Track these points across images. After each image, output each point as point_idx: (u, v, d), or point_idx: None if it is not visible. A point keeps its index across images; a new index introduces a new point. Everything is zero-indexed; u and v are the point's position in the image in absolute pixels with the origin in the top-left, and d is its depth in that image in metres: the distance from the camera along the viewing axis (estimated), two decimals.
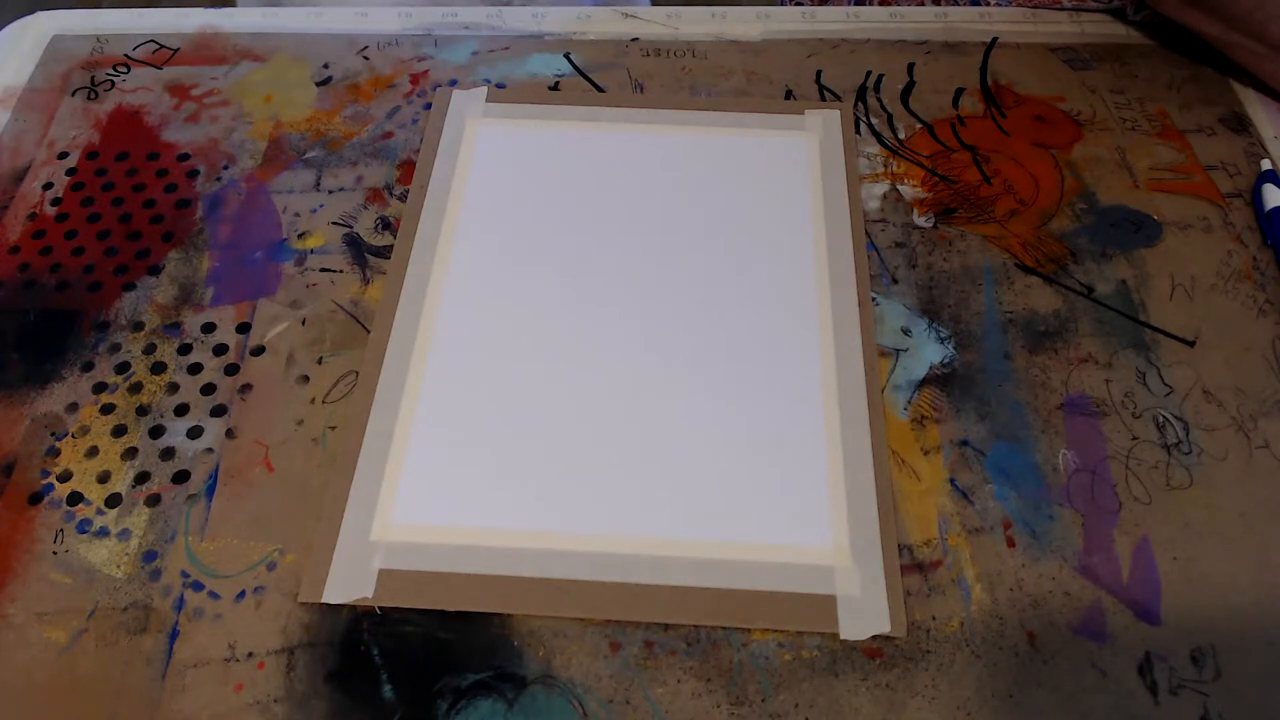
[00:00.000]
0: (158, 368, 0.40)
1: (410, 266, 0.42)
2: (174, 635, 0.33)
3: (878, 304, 0.42)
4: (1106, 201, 0.45)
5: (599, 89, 0.50)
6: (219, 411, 0.38)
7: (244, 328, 0.41)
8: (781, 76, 0.50)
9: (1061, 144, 0.47)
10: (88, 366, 0.40)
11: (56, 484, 0.37)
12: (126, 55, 0.51)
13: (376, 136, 0.48)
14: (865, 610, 0.33)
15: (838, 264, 0.42)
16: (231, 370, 0.40)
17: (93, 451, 0.37)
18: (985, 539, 0.35)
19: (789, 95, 0.50)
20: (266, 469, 0.37)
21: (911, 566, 0.35)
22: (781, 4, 0.62)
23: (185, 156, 0.47)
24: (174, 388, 0.39)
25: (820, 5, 0.59)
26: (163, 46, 0.52)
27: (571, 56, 0.51)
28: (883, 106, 0.49)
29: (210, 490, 0.36)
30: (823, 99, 0.49)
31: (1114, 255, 0.43)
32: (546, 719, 0.32)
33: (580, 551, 0.35)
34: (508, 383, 0.39)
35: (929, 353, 0.40)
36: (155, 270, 0.43)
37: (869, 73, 0.51)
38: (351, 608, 0.34)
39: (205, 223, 0.44)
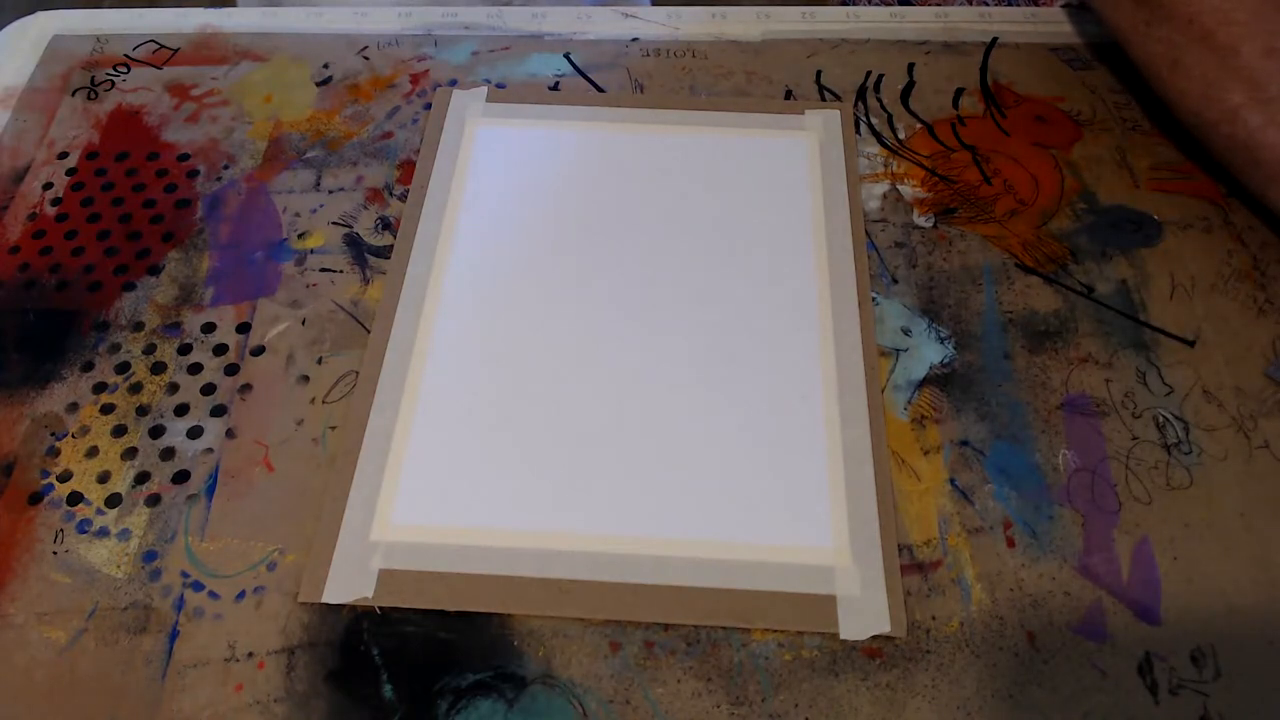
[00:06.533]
0: (158, 368, 0.40)
1: (410, 266, 0.42)
2: (174, 635, 0.33)
3: (878, 304, 0.42)
4: (1106, 201, 0.45)
5: (599, 89, 0.50)
6: (219, 411, 0.38)
7: (244, 328, 0.41)
8: (781, 76, 0.50)
9: (1061, 144, 0.47)
10: (88, 366, 0.40)
11: (56, 484, 0.37)
12: (126, 55, 0.51)
13: (376, 136, 0.48)
14: (865, 610, 0.33)
15: (838, 264, 0.42)
16: (231, 370, 0.40)
17: (93, 451, 0.37)
18: (985, 539, 0.35)
19: (789, 95, 0.50)
20: (266, 469, 0.37)
21: (911, 566, 0.35)
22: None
23: (185, 156, 0.47)
24: (174, 388, 0.39)
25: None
26: (163, 46, 0.52)
27: (571, 56, 0.51)
28: (883, 106, 0.49)
29: (210, 490, 0.36)
30: (823, 99, 0.49)
31: (1114, 255, 0.43)
32: (546, 719, 0.32)
33: (580, 551, 0.35)
34: (507, 383, 0.39)
35: (929, 353, 0.40)
36: (155, 270, 0.43)
37: (869, 73, 0.51)
38: (351, 608, 0.34)
39: (205, 223, 0.44)
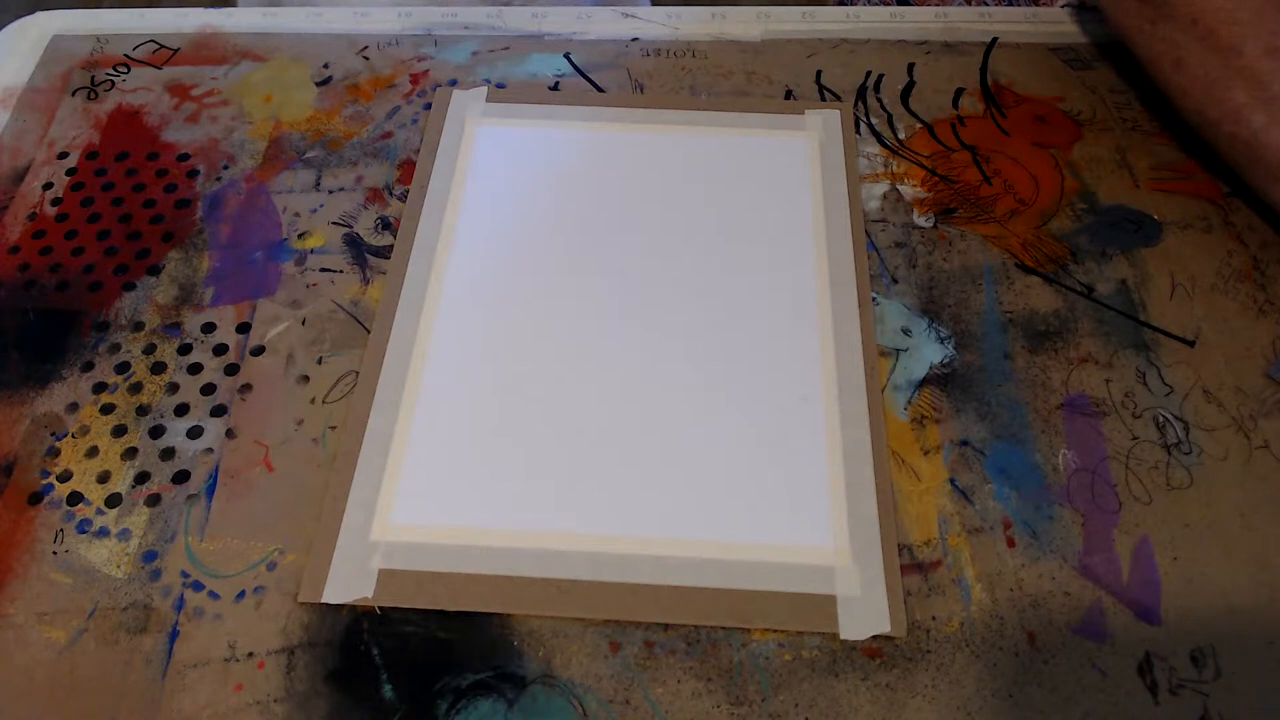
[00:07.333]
0: (158, 368, 0.40)
1: (410, 266, 0.42)
2: (174, 635, 0.33)
3: (878, 304, 0.42)
4: (1106, 201, 0.45)
5: (599, 89, 0.50)
6: (219, 411, 0.38)
7: (244, 328, 0.41)
8: (781, 76, 0.50)
9: (1061, 144, 0.47)
10: (88, 366, 0.40)
11: (56, 484, 0.37)
12: (126, 55, 0.51)
13: (376, 136, 0.48)
14: (865, 610, 0.33)
15: (838, 264, 0.42)
16: (231, 370, 0.40)
17: (93, 451, 0.37)
18: (985, 539, 0.35)
19: (789, 95, 0.50)
20: (266, 469, 0.37)
21: (911, 566, 0.35)
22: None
23: (185, 156, 0.47)
24: (174, 388, 0.39)
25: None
26: (163, 46, 0.52)
27: (571, 56, 0.51)
28: (883, 106, 0.49)
29: (210, 490, 0.36)
30: (823, 99, 0.49)
31: (1114, 255, 0.43)
32: (546, 719, 0.32)
33: (580, 551, 0.35)
34: (507, 383, 0.39)
35: (929, 353, 0.40)
36: (155, 270, 0.43)
37: (869, 73, 0.51)
38: (351, 608, 0.34)
39: (205, 223, 0.44)
